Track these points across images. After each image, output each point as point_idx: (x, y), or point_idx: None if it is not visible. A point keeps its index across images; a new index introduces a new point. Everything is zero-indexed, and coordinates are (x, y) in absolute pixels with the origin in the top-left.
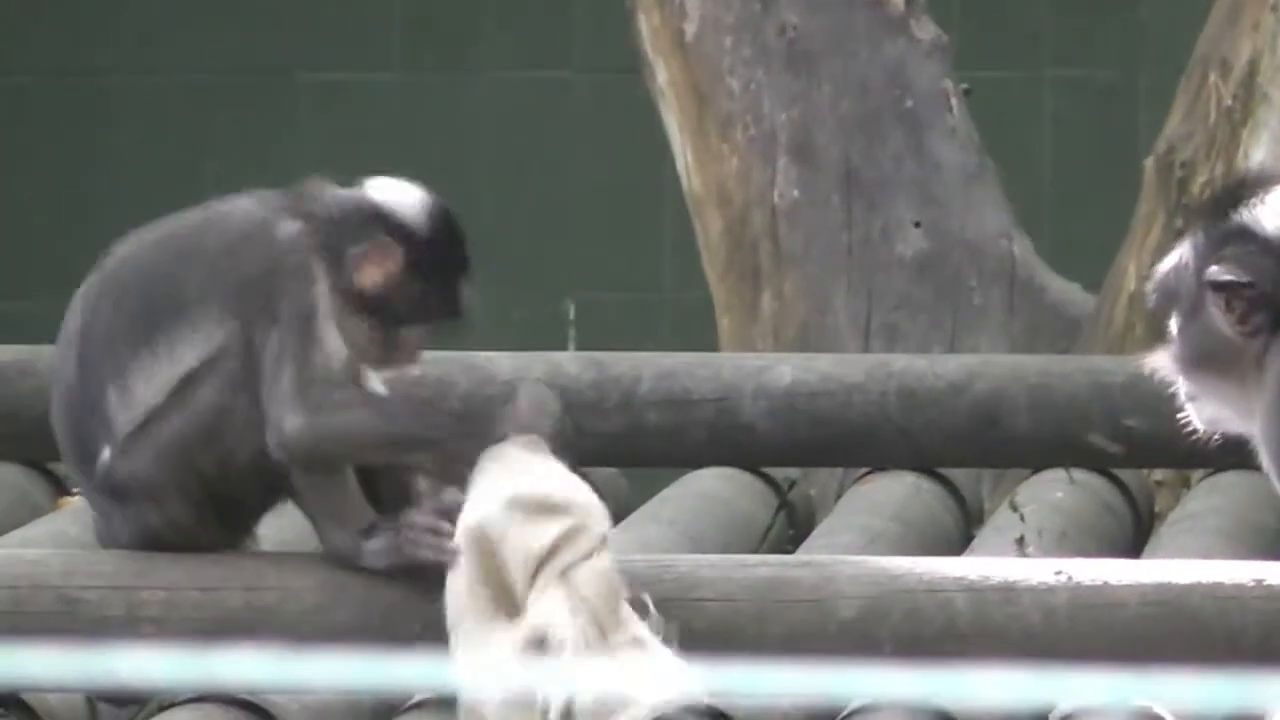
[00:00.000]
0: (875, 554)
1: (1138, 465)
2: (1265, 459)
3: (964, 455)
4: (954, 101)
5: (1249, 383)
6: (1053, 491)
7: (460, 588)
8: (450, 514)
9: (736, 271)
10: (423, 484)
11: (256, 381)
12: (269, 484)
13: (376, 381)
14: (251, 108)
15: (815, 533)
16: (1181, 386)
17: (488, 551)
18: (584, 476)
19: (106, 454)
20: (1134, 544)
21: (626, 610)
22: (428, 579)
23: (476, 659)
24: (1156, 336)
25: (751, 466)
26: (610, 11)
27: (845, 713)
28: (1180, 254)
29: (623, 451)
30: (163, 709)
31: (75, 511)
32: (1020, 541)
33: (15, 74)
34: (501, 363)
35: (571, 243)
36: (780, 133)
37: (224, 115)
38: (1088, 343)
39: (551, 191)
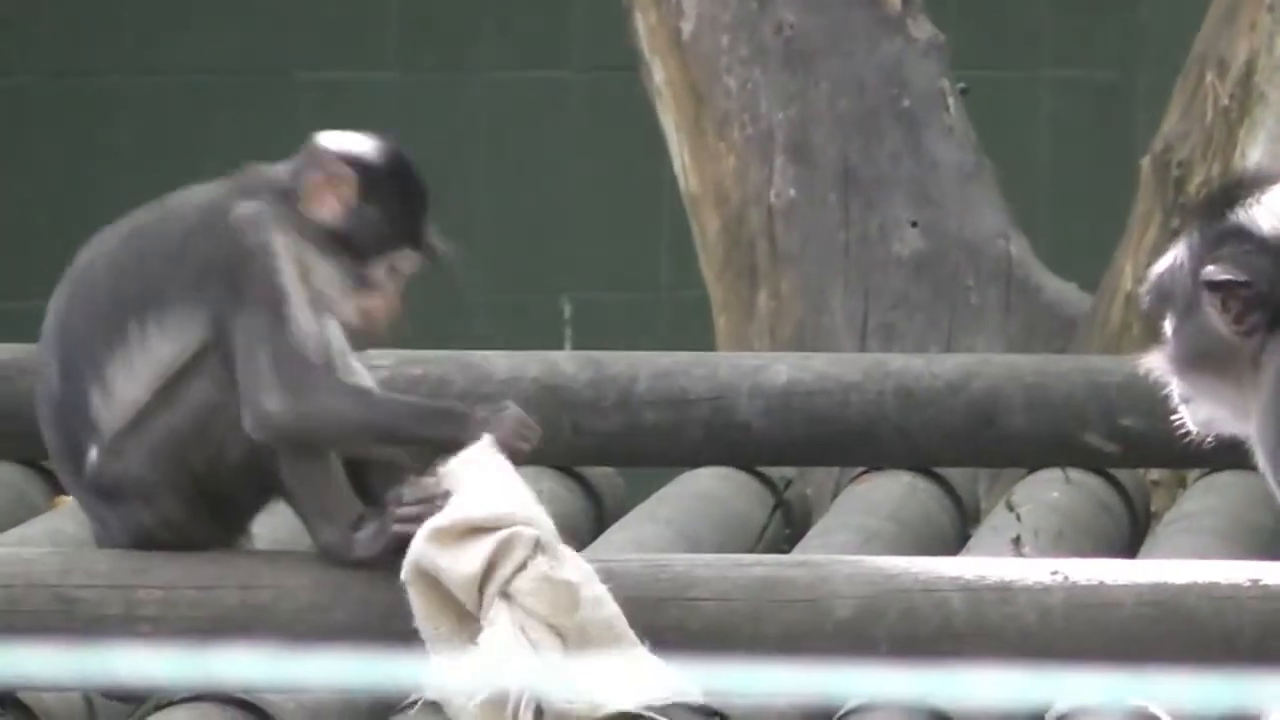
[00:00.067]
0: (871, 553)
1: (1134, 465)
2: (1261, 459)
3: (960, 455)
4: (951, 101)
5: (1245, 383)
6: (1049, 491)
7: (422, 622)
8: (436, 495)
9: (733, 270)
10: (411, 477)
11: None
12: (261, 481)
13: (365, 375)
14: (251, 108)
15: (811, 532)
16: (1176, 388)
17: (433, 584)
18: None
19: (94, 454)
20: (1130, 544)
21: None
22: None
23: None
24: (1153, 336)
25: (748, 466)
26: (608, 11)
27: (841, 712)
28: (1175, 254)
29: (619, 451)
30: (159, 708)
31: (72, 510)
32: (1016, 541)
33: (15, 74)
34: (498, 362)
35: (569, 242)
36: (777, 132)
37: (224, 115)
38: (1084, 342)
39: (549, 190)
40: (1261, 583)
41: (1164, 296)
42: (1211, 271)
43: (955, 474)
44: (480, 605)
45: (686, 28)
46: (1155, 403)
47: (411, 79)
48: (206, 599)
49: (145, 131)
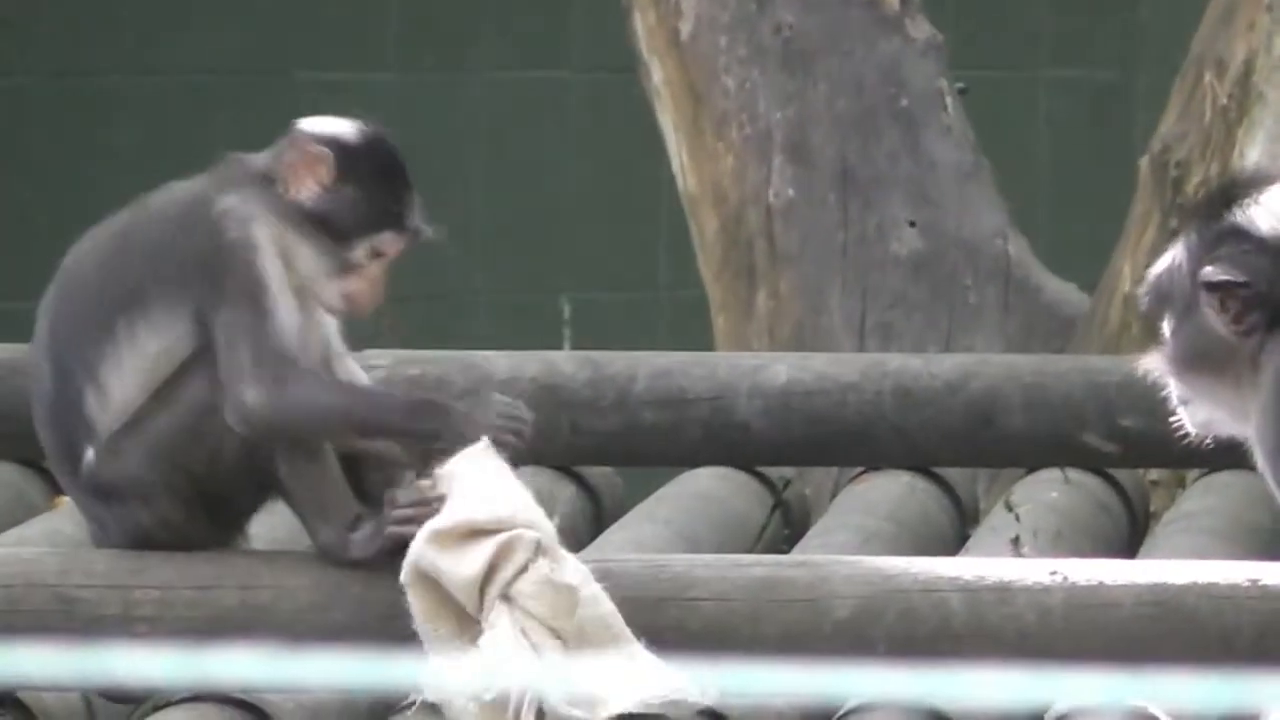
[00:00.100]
0: (870, 554)
1: (1133, 465)
2: (1260, 459)
3: (959, 455)
4: (949, 100)
5: (1243, 383)
6: (1048, 491)
7: (421, 624)
8: (432, 497)
9: (732, 270)
10: (407, 477)
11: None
12: (258, 481)
13: (358, 371)
14: (251, 108)
15: (810, 532)
16: (1174, 389)
17: (432, 586)
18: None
19: (90, 455)
20: (1129, 544)
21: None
22: None
23: (450, 671)
24: (1152, 336)
25: (747, 466)
26: (607, 11)
27: (840, 713)
28: (1173, 255)
29: (618, 450)
30: (158, 708)
31: (71, 510)
32: (1015, 541)
33: (15, 74)
34: (497, 362)
35: (567, 242)
36: (775, 132)
37: (224, 115)
38: (1083, 342)
39: (548, 190)
40: (1260, 583)
41: (1162, 297)
42: (1210, 272)
43: (954, 474)
44: (481, 607)
45: (685, 28)
46: (1154, 403)
47: (411, 79)
48: (204, 599)
49: (145, 131)
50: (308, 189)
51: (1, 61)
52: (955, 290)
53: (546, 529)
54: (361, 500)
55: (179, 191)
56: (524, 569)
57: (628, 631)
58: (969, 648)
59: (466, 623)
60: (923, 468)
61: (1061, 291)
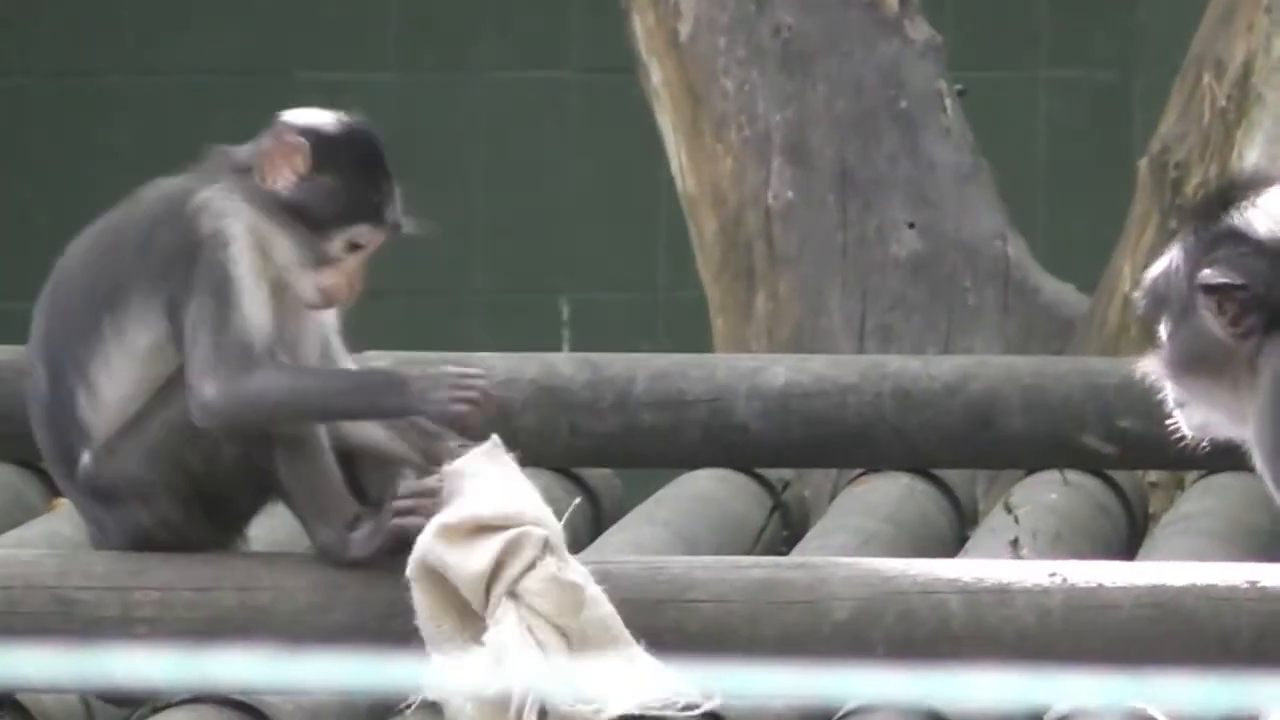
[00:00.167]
0: (869, 555)
1: (1132, 466)
2: (1259, 461)
3: (958, 456)
4: (948, 102)
5: (1241, 386)
6: (1047, 493)
7: (425, 620)
8: (431, 490)
9: (731, 272)
10: (407, 475)
11: None
12: (257, 481)
13: (346, 359)
14: (251, 108)
15: (809, 534)
16: (1172, 392)
17: (438, 581)
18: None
19: (86, 457)
20: (1128, 546)
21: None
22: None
23: (452, 669)
24: (1150, 338)
25: (745, 467)
26: (606, 12)
27: (839, 715)
28: (1170, 258)
29: (617, 452)
30: (157, 710)
31: (69, 512)
32: (1014, 543)
33: (15, 74)
34: (496, 363)
35: (566, 243)
36: (775, 133)
37: (224, 115)
38: (1082, 344)
39: (547, 191)
40: (1259, 584)
41: (1159, 300)
42: (1207, 274)
43: (953, 475)
44: (487, 604)
45: (684, 29)
46: (1153, 404)
47: (411, 79)
48: (204, 600)
49: (145, 131)
50: (284, 178)
51: (1, 61)
52: (954, 292)
53: (554, 527)
54: (361, 500)
55: (162, 187)
56: (531, 566)
57: (627, 634)
58: (968, 649)
59: (469, 620)
60: (922, 469)
61: (1060, 293)
